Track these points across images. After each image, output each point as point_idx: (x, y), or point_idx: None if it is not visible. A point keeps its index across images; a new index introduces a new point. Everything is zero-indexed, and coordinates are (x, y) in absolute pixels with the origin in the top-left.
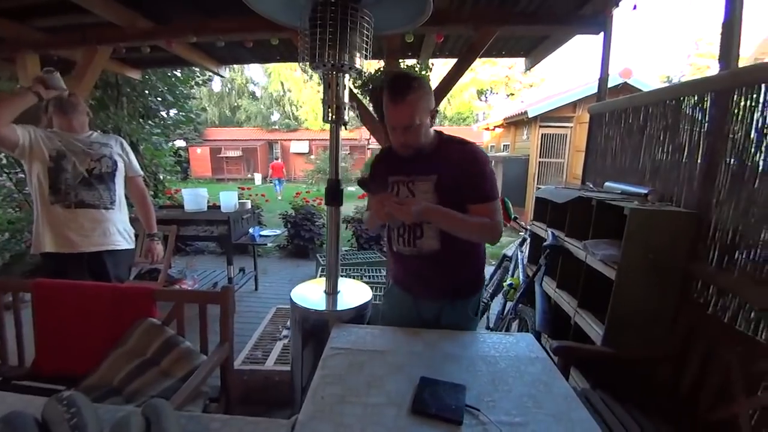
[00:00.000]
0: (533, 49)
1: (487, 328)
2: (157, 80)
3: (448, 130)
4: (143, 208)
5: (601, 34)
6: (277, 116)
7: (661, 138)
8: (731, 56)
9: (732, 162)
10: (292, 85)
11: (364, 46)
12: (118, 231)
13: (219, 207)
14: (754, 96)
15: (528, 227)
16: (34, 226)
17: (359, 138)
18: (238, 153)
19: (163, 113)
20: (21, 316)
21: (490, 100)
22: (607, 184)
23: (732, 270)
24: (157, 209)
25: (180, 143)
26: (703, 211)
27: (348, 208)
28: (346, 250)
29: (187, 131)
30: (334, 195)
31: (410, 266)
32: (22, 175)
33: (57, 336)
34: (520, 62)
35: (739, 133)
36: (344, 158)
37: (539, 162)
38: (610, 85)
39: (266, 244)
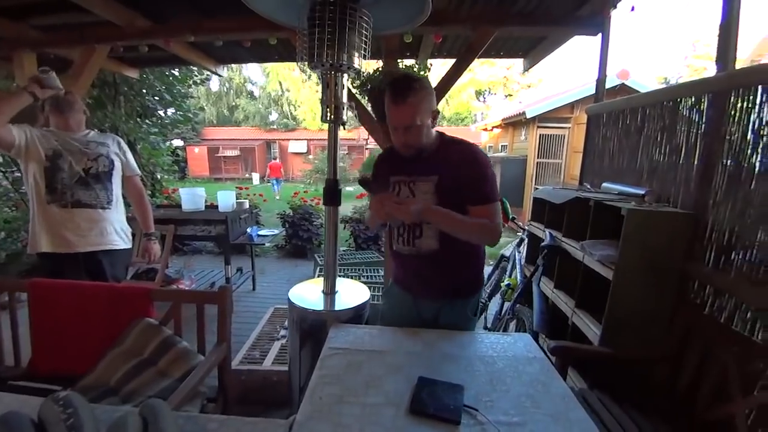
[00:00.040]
0: (531, 50)
1: (485, 328)
2: (155, 79)
3: (446, 130)
4: (140, 208)
5: (599, 35)
6: (276, 116)
7: (659, 139)
8: (728, 58)
9: (729, 163)
10: (291, 84)
11: (363, 46)
12: (115, 231)
13: (217, 207)
14: (751, 97)
15: (526, 227)
16: (30, 225)
17: (357, 138)
18: (235, 152)
19: (161, 112)
20: (17, 316)
21: (488, 100)
22: (604, 184)
23: (728, 270)
24: (154, 209)
25: (177, 142)
26: (699, 211)
27: (346, 208)
28: (344, 250)
29: (185, 130)
30: (333, 195)
31: (409, 266)
32: (19, 174)
33: (53, 336)
34: (518, 63)
35: (736, 135)
36: (342, 158)
37: (537, 162)
38: (607, 86)
39: (264, 244)
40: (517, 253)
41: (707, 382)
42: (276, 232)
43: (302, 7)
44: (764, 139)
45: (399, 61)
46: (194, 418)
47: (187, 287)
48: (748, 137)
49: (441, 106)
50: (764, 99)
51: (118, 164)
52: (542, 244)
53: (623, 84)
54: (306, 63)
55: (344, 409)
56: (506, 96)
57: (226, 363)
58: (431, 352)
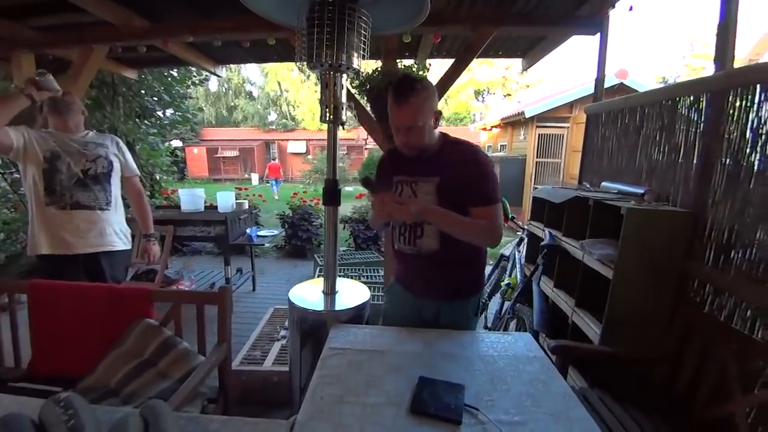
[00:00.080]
0: (530, 50)
1: (485, 327)
2: (154, 80)
3: (444, 130)
4: (140, 209)
5: (598, 34)
6: (274, 116)
7: (658, 138)
8: (726, 57)
9: (728, 162)
10: (289, 85)
11: (362, 46)
12: (115, 232)
13: (216, 207)
14: (749, 96)
15: (525, 227)
16: (29, 227)
17: (357, 138)
18: (235, 153)
19: (160, 113)
20: (17, 318)
21: (487, 100)
22: (603, 183)
23: (728, 269)
24: (153, 209)
25: (176, 143)
26: (699, 210)
27: (345, 208)
28: (343, 250)
29: (184, 131)
30: (332, 195)
31: (410, 265)
32: (17, 175)
33: (53, 337)
34: (517, 63)
35: (735, 134)
36: (341, 158)
37: (536, 162)
38: (606, 85)
39: (263, 245)
40: (516, 253)
41: (707, 381)
42: (275, 232)
43: (301, 7)
44: (763, 137)
45: (398, 61)
46: (195, 418)
47: (187, 288)
48: (747, 136)
49: (440, 105)
50: (763, 98)
51: (117, 165)
52: (542, 243)
53: (622, 83)
54: (305, 63)
55: (345, 409)
56: (505, 96)
57: (227, 363)
58: (431, 351)
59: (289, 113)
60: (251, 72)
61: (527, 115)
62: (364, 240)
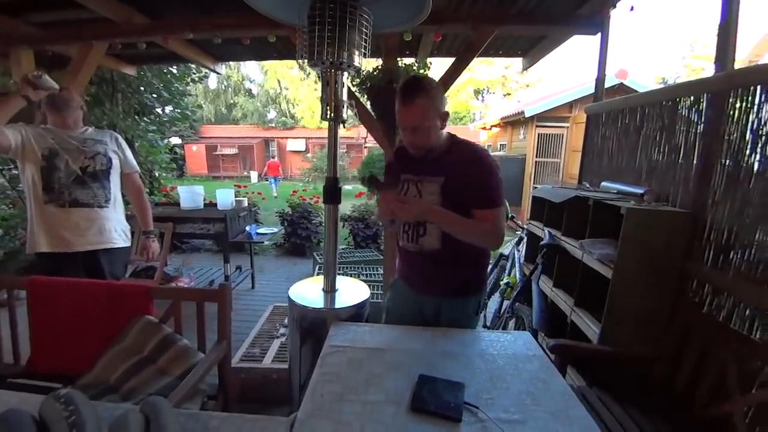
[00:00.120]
0: (531, 49)
1: (484, 326)
2: (153, 77)
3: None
4: (139, 205)
5: (599, 34)
6: (274, 114)
7: (658, 138)
8: (727, 58)
9: (727, 163)
10: (289, 82)
11: (363, 44)
12: (114, 229)
13: (215, 205)
14: (749, 98)
15: (525, 226)
16: (28, 225)
17: (357, 137)
18: (234, 151)
19: (159, 110)
20: (16, 314)
21: (486, 99)
22: (603, 183)
23: (727, 270)
24: (152, 206)
25: (175, 140)
26: (698, 211)
27: (345, 207)
28: (343, 249)
29: (183, 128)
30: (333, 193)
31: (413, 262)
32: (16, 172)
33: (52, 334)
34: (516, 62)
35: (735, 134)
36: (341, 156)
37: (536, 161)
38: (606, 85)
39: (263, 242)
40: (516, 252)
41: (706, 381)
42: (275, 230)
43: (302, 5)
44: (763, 139)
45: (398, 59)
46: (196, 415)
47: (186, 285)
48: (747, 137)
49: None
50: (763, 99)
51: (116, 162)
52: (541, 242)
53: (621, 83)
54: (306, 61)
55: (345, 407)
56: (505, 95)
57: (227, 361)
58: (431, 350)
59: (289, 111)
60: (251, 69)
61: (527, 115)
62: (363, 238)
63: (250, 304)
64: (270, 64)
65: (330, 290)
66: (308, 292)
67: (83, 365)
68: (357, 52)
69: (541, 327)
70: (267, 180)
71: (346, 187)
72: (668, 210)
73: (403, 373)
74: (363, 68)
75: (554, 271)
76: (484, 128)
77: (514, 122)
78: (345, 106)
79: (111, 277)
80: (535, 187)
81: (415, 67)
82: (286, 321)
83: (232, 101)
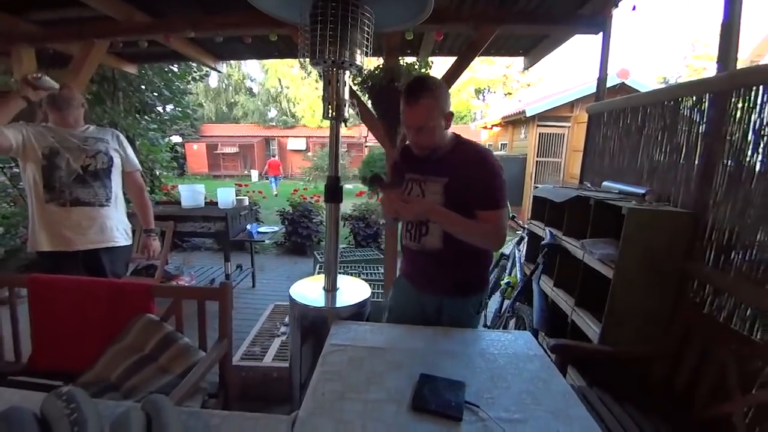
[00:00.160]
0: (532, 48)
1: (484, 325)
2: (154, 75)
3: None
4: (141, 203)
5: (600, 34)
6: (275, 113)
7: (659, 138)
8: (729, 58)
9: (729, 163)
10: (290, 81)
11: (365, 42)
12: (115, 228)
13: (216, 203)
14: (752, 98)
15: (525, 226)
16: (29, 224)
17: (358, 135)
18: (234, 149)
19: (160, 108)
20: (17, 312)
21: (487, 98)
22: (604, 183)
23: (728, 270)
24: (153, 205)
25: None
26: (700, 211)
27: (346, 206)
28: (343, 248)
29: (184, 127)
30: (334, 192)
31: (415, 260)
32: (17, 170)
33: (53, 332)
34: (517, 61)
35: (736, 135)
36: (342, 155)
37: (536, 161)
38: (608, 85)
39: (264, 241)
40: (516, 252)
41: (706, 381)
42: (276, 229)
43: (304, 3)
44: (765, 139)
45: (400, 58)
46: (197, 413)
47: (187, 284)
48: (749, 137)
49: None
50: (765, 99)
51: (117, 161)
52: (542, 242)
53: (623, 83)
54: (308, 59)
55: (346, 405)
56: (506, 94)
57: (227, 359)
58: (432, 349)
59: (290, 110)
60: (251, 68)
61: (528, 114)
62: (364, 237)
63: (250, 303)
64: (271, 63)
65: (331, 289)
66: (309, 291)
67: (84, 363)
68: (359, 51)
69: (542, 327)
70: (267, 179)
71: (347, 186)
72: (669, 210)
73: (404, 372)
74: (364, 67)
75: (555, 270)
76: (485, 127)
77: (515, 122)
78: (347, 105)
79: (112, 276)
80: (536, 187)
81: (416, 66)
82: (286, 320)
83: (232, 100)
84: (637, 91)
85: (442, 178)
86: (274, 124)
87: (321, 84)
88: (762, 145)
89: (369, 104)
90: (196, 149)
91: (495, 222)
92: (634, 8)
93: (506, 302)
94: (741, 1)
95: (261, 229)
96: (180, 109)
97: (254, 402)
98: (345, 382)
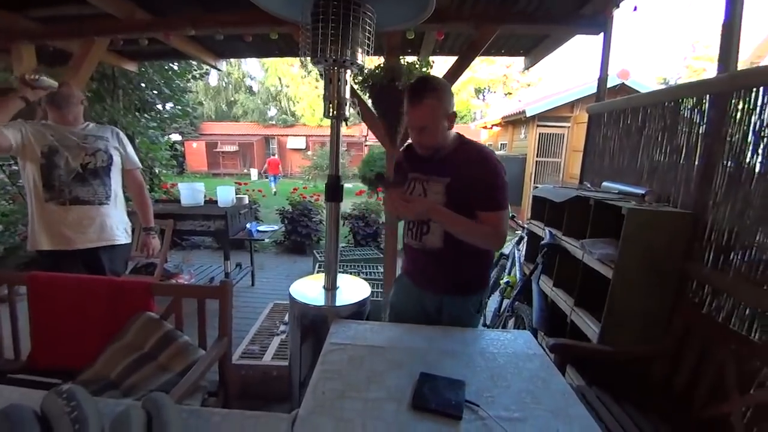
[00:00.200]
0: (533, 48)
1: (484, 324)
2: (154, 73)
3: None
4: (140, 201)
5: (601, 34)
6: (274, 111)
7: (659, 139)
8: (730, 58)
9: (729, 164)
10: (290, 80)
11: (366, 41)
12: (115, 226)
13: (216, 202)
14: (752, 99)
15: (525, 226)
16: (29, 223)
17: (358, 135)
18: (234, 148)
19: (160, 106)
20: (17, 309)
21: (487, 98)
22: (604, 184)
23: (727, 270)
24: (153, 203)
25: (176, 137)
26: (699, 212)
27: (345, 205)
28: (343, 247)
29: (183, 125)
30: (335, 191)
31: (416, 258)
32: (16, 167)
33: (53, 329)
34: (518, 61)
35: (737, 136)
36: (342, 155)
37: (536, 161)
38: (608, 85)
39: (264, 240)
40: (516, 251)
41: (705, 381)
42: (275, 227)
43: (306, 2)
44: (765, 140)
45: (401, 57)
46: (197, 411)
47: (186, 282)
48: (749, 138)
49: None
50: (765, 101)
51: (117, 159)
52: (542, 242)
53: (623, 84)
54: (309, 58)
55: (346, 404)
56: (506, 94)
57: (227, 358)
58: (432, 348)
59: (289, 109)
60: (251, 67)
61: (528, 114)
62: (363, 237)
63: (249, 302)
64: (270, 62)
65: (331, 288)
66: (309, 289)
67: (83, 361)
68: (360, 50)
69: (541, 326)
70: (267, 177)
71: (347, 186)
72: (669, 211)
73: (404, 371)
74: (365, 66)
75: (554, 270)
76: (485, 127)
77: (515, 122)
78: (348, 104)
79: (111, 274)
80: (536, 187)
81: (417, 66)
82: (285, 318)
83: (232, 98)
84: (637, 91)
85: (444, 178)
86: (273, 122)
87: (321, 83)
88: (762, 147)
89: (369, 103)
90: (195, 147)
91: (495, 223)
92: (635, 9)
93: (505, 302)
94: (742, 2)
95: (260, 228)
96: (180, 107)
97: (254, 400)
98: (345, 381)
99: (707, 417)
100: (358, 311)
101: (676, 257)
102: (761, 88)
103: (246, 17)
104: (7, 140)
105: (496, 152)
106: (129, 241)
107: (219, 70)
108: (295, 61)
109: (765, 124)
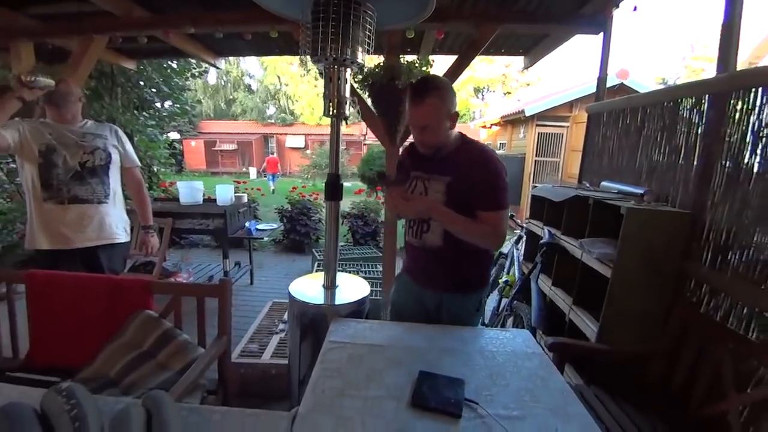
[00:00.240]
0: (533, 48)
1: (482, 323)
2: (153, 71)
3: None
4: (139, 200)
5: (601, 34)
6: (273, 110)
7: (658, 139)
8: (730, 58)
9: (727, 164)
10: (289, 79)
11: (367, 40)
12: (114, 225)
13: (215, 200)
14: (751, 99)
15: (524, 225)
16: (27, 222)
17: (357, 133)
18: (233, 146)
19: (158, 105)
20: (15, 308)
21: (486, 98)
22: (603, 183)
23: (725, 270)
24: (152, 201)
25: (174, 135)
26: (698, 211)
27: (344, 204)
28: (342, 245)
29: (182, 123)
30: (334, 190)
31: (416, 256)
32: (14, 165)
33: (51, 328)
34: (517, 60)
35: (735, 136)
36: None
37: (535, 161)
38: (607, 85)
39: (263, 239)
40: (515, 250)
41: (702, 380)
42: (274, 226)
43: (306, 1)
44: (763, 140)
45: (401, 56)
46: (197, 409)
47: (185, 280)
48: (747, 138)
49: None
50: (764, 101)
51: (115, 157)
52: (541, 241)
53: (622, 84)
54: (308, 57)
55: (346, 402)
56: (505, 94)
57: (227, 356)
58: (431, 346)
59: (288, 107)
60: (250, 65)
61: (527, 114)
62: (362, 235)
63: (248, 300)
64: (270, 60)
65: (330, 286)
66: (308, 288)
67: (82, 360)
68: (360, 49)
69: (540, 325)
70: (266, 176)
71: (346, 184)
72: (668, 210)
73: (404, 369)
74: (365, 65)
75: (553, 269)
76: (484, 126)
77: (514, 121)
78: (348, 103)
79: (109, 272)
80: (535, 186)
81: (417, 65)
82: (285, 317)
83: (231, 97)
84: (636, 91)
85: (445, 177)
86: (272, 121)
87: (321, 81)
88: (760, 147)
89: (369, 102)
90: (194, 146)
91: (495, 223)
92: (635, 9)
93: (504, 300)
94: (741, 2)
95: (259, 227)
96: (178, 105)
97: (253, 399)
98: (344, 379)
99: (705, 415)
100: (358, 310)
101: (674, 257)
102: (760, 89)
103: (246, 15)
104: (5, 140)
105: (496, 152)
106: (128, 239)
107: (218, 68)
108: (295, 59)
109: (764, 124)
